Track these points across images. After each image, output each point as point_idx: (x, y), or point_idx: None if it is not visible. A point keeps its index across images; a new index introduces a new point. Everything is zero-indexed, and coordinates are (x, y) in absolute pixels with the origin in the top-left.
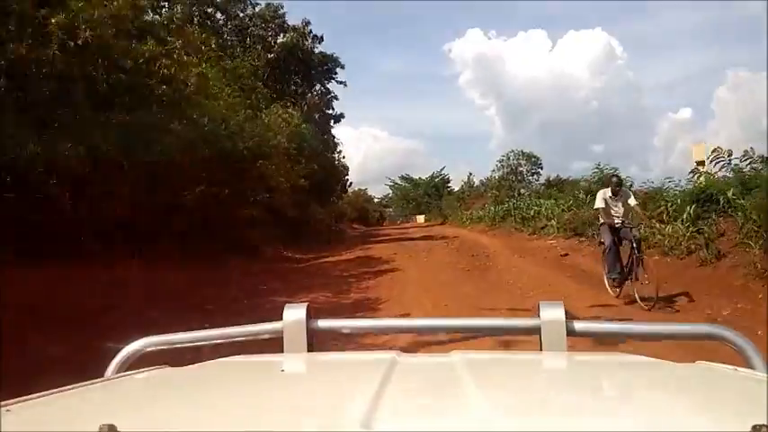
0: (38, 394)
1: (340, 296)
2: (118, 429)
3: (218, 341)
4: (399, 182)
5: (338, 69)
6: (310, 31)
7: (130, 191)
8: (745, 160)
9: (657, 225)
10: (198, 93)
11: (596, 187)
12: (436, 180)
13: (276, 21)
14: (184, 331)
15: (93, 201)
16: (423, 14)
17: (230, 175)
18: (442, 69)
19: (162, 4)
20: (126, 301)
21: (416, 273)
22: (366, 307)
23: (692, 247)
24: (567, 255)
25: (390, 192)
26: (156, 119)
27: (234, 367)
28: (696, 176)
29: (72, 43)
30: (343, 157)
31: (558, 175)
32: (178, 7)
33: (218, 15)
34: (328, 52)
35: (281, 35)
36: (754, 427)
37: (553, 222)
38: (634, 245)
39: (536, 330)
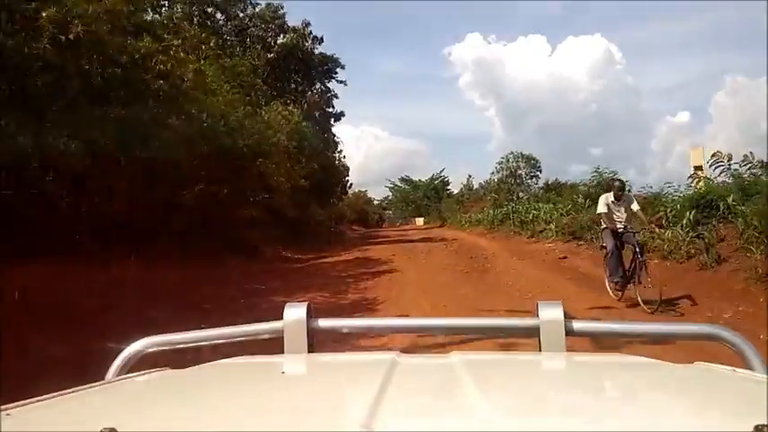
0: (38, 398)
1: (338, 296)
2: None
3: (219, 341)
4: (399, 184)
5: (338, 69)
6: (310, 32)
7: (128, 188)
8: (745, 165)
9: (657, 230)
10: (195, 88)
11: (596, 191)
12: (436, 182)
13: (276, 21)
14: (184, 331)
15: (90, 197)
16: (423, 18)
17: (230, 174)
18: (442, 71)
19: (162, 3)
20: (123, 300)
21: (415, 274)
22: (364, 308)
23: (692, 251)
24: (565, 258)
25: (390, 194)
26: (153, 114)
27: (235, 369)
28: (695, 182)
29: (63, 38)
30: (344, 157)
31: (556, 179)
32: (177, 6)
33: (218, 15)
34: (329, 53)
35: (281, 36)
36: (757, 427)
37: (552, 226)
38: (637, 249)
39: (535, 330)
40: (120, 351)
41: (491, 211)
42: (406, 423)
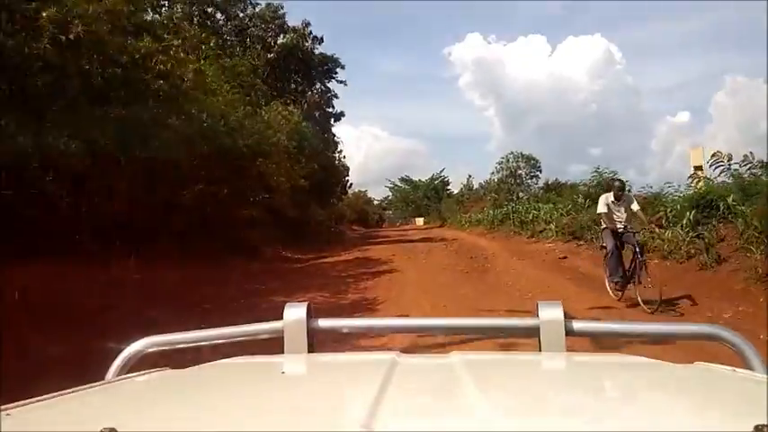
0: (38, 398)
1: (338, 296)
2: None
3: (220, 341)
4: (399, 184)
5: (338, 69)
6: (310, 32)
7: (128, 188)
8: (745, 165)
9: (657, 230)
10: (195, 88)
11: (596, 191)
12: (436, 182)
13: (276, 21)
14: (184, 331)
15: (89, 197)
16: (423, 18)
17: (230, 174)
18: (442, 71)
19: (162, 3)
20: (123, 300)
21: (415, 274)
22: (364, 308)
23: (692, 251)
24: (565, 258)
25: (390, 194)
26: (153, 113)
27: (235, 369)
28: (695, 182)
29: (63, 38)
30: (344, 157)
31: (556, 179)
32: (178, 6)
33: (218, 15)
34: (329, 53)
35: (281, 36)
36: (757, 427)
37: (552, 226)
38: (637, 249)
39: (535, 330)
40: (119, 351)
41: (491, 211)
42: (406, 423)
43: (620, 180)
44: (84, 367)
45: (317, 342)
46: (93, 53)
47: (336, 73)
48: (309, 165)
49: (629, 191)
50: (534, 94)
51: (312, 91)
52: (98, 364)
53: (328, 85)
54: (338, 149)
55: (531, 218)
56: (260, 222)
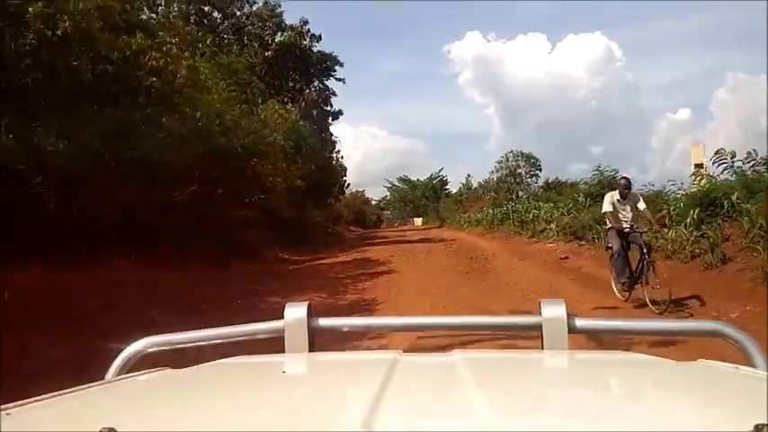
0: (38, 397)
1: (336, 297)
2: None
3: (220, 341)
4: (397, 183)
5: (337, 67)
6: (308, 30)
7: (121, 188)
8: (748, 162)
9: (660, 229)
10: (189, 86)
11: (597, 190)
12: (434, 182)
13: (273, 19)
14: (184, 331)
15: (84, 198)
16: (422, 16)
17: (225, 174)
18: (442, 69)
19: (158, 2)
20: (120, 301)
21: (414, 275)
22: (362, 309)
23: (697, 251)
24: (567, 258)
25: (388, 194)
26: (146, 112)
27: (235, 368)
28: (698, 179)
29: (50, 33)
30: (342, 157)
31: (556, 178)
32: (174, 5)
33: (215, 14)
34: (327, 51)
35: (279, 34)
36: (757, 426)
37: (552, 226)
38: (644, 250)
39: (537, 327)
40: (120, 351)
41: (490, 211)
42: (407, 422)
43: (625, 177)
44: (80, 368)
45: (317, 343)
46: (83, 49)
47: (335, 71)
48: (306, 165)
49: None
50: (534, 91)
51: (310, 89)
52: (97, 364)
53: (326, 83)
54: (336, 149)
55: (531, 217)
56: (256, 223)
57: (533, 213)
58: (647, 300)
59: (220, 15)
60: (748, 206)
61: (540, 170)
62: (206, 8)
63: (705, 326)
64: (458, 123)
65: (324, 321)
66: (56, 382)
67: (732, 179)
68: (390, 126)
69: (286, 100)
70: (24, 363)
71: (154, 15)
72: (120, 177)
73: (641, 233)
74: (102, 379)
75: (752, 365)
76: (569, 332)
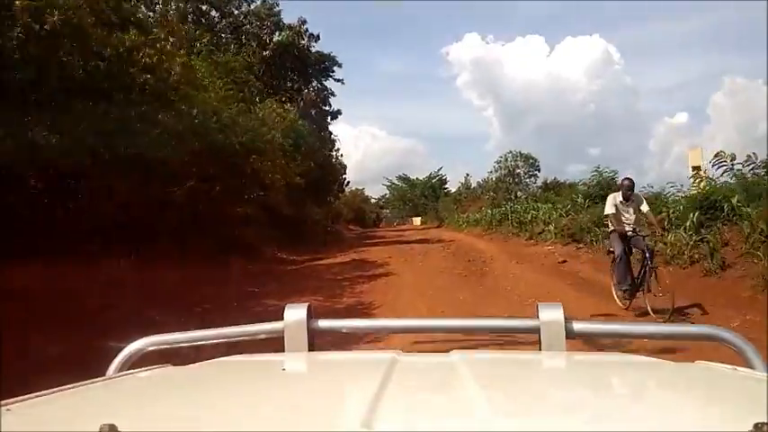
0: (38, 393)
1: (333, 300)
2: (118, 429)
3: (220, 341)
4: (397, 182)
5: (335, 68)
6: (306, 30)
7: (117, 185)
8: (748, 165)
9: (663, 232)
10: (185, 83)
11: (596, 191)
12: (433, 181)
13: (271, 19)
14: (185, 331)
15: (75, 195)
16: (421, 18)
17: (223, 171)
18: (440, 71)
19: (156, 0)
20: (113, 301)
21: (412, 277)
22: (359, 312)
23: (696, 256)
24: (565, 261)
25: (387, 192)
26: (140, 109)
27: (235, 367)
28: (697, 181)
29: (38, 27)
30: (341, 155)
31: (555, 178)
32: (172, 3)
33: (213, 13)
34: (326, 51)
35: (277, 33)
36: (756, 425)
37: (551, 227)
38: (647, 255)
39: (535, 331)
40: (119, 350)
41: (489, 211)
42: (406, 422)
43: (628, 178)
44: (74, 365)
45: (316, 345)
46: (74, 45)
47: (333, 71)
48: (305, 162)
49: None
50: (532, 94)
51: (308, 89)
52: (90, 363)
53: (325, 83)
54: (335, 147)
55: (529, 218)
56: (255, 221)
57: (532, 214)
58: (648, 308)
59: (218, 14)
60: (749, 210)
61: (539, 170)
62: (204, 6)
63: (702, 330)
64: (456, 124)
65: (323, 323)
66: (54, 381)
67: (732, 182)
68: (390, 126)
69: (284, 99)
70: (23, 362)
71: (151, 14)
72: (116, 174)
73: (644, 237)
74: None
75: (750, 368)
76: (567, 336)
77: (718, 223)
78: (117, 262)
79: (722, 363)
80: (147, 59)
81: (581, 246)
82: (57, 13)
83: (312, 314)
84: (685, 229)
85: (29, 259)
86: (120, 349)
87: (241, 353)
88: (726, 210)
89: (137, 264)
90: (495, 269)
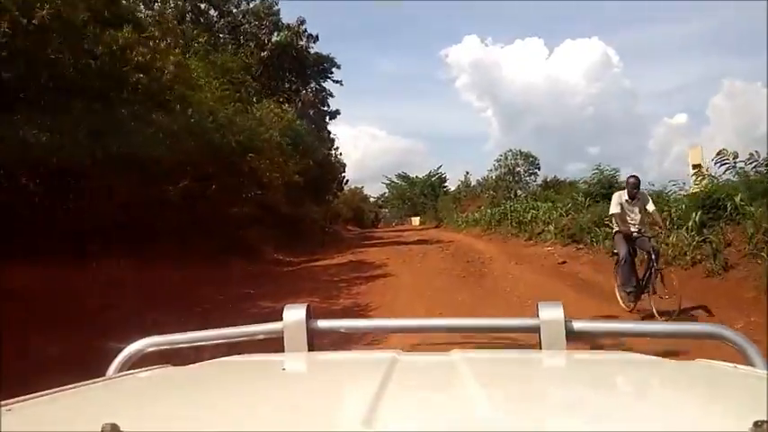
0: (39, 393)
1: (330, 302)
2: (120, 429)
3: (220, 341)
4: (396, 180)
5: (334, 69)
6: (305, 30)
7: (112, 184)
8: (751, 163)
9: (669, 232)
10: (179, 83)
11: (596, 189)
12: (433, 179)
13: (270, 18)
14: (185, 331)
15: (68, 195)
16: (420, 19)
17: (220, 169)
18: (440, 73)
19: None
20: (109, 302)
21: (410, 278)
22: (356, 314)
23: (698, 256)
24: (564, 262)
25: (386, 191)
26: (133, 108)
27: (235, 367)
28: (699, 179)
29: (25, 20)
30: (340, 154)
31: (555, 176)
32: (170, 2)
33: (212, 12)
34: (325, 52)
35: (275, 33)
36: (756, 423)
37: (550, 227)
38: (653, 256)
39: (535, 330)
40: (119, 350)
41: (488, 211)
42: (407, 421)
43: (634, 176)
44: (73, 366)
45: (315, 346)
46: (64, 41)
47: (332, 72)
48: (304, 161)
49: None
50: (531, 96)
51: (306, 90)
52: (89, 363)
53: (324, 84)
54: (334, 146)
55: (529, 218)
56: (253, 220)
57: (532, 214)
58: (654, 311)
59: (216, 13)
60: (752, 209)
61: (539, 169)
62: (202, 5)
63: (704, 328)
64: (456, 125)
65: (322, 323)
66: (54, 380)
67: (734, 180)
68: (389, 126)
69: (282, 100)
70: (23, 362)
71: (150, 12)
72: (110, 173)
73: (650, 238)
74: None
75: (751, 366)
76: (567, 335)
77: (721, 223)
78: (115, 262)
79: (723, 361)
80: (141, 58)
81: (581, 246)
82: (47, 6)
83: (311, 314)
84: (687, 228)
85: (29, 259)
86: (120, 349)
87: (241, 353)
88: (729, 209)
89: (133, 264)
90: (495, 270)
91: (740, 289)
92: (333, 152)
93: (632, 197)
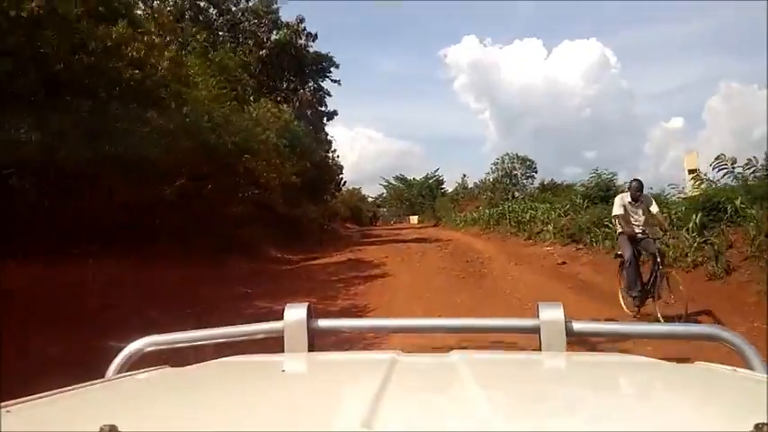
0: (38, 395)
1: (327, 302)
2: (119, 430)
3: (220, 341)
4: (393, 182)
5: (332, 68)
6: (304, 29)
7: (106, 184)
8: (749, 168)
9: (669, 235)
10: (174, 80)
11: (594, 192)
12: (430, 181)
13: (269, 16)
14: (185, 331)
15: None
16: (419, 20)
17: (216, 170)
18: (438, 73)
19: None
20: (105, 302)
21: (408, 278)
22: (354, 315)
23: (699, 259)
24: (564, 263)
25: (384, 191)
26: (127, 106)
27: (235, 367)
28: (697, 183)
29: (14, 13)
30: (338, 156)
31: (552, 179)
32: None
33: (211, 10)
34: (323, 51)
35: (275, 32)
36: (757, 425)
37: (549, 228)
38: (658, 259)
39: (535, 330)
40: (119, 350)
41: (486, 211)
42: (406, 422)
43: (637, 180)
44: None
45: (316, 346)
46: (55, 35)
47: (330, 72)
48: (301, 162)
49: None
50: (529, 97)
51: (304, 89)
52: (89, 363)
53: (322, 84)
54: (332, 148)
55: (528, 218)
56: (251, 220)
57: (530, 214)
58: (658, 315)
59: (216, 11)
60: (753, 212)
61: (536, 172)
62: (201, 3)
63: (702, 330)
64: (453, 127)
65: (323, 322)
66: (53, 380)
67: (732, 184)
68: (386, 128)
69: (279, 99)
70: (22, 362)
71: (147, 10)
72: (104, 172)
73: (654, 240)
74: (101, 377)
75: (750, 368)
76: (567, 335)
77: (722, 225)
78: (114, 262)
79: (722, 363)
80: (135, 54)
81: (580, 246)
82: None
83: (312, 314)
84: (688, 230)
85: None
86: (120, 349)
87: (242, 353)
88: (729, 211)
89: (131, 263)
90: (494, 270)
91: (743, 293)
92: (330, 154)
93: (635, 199)
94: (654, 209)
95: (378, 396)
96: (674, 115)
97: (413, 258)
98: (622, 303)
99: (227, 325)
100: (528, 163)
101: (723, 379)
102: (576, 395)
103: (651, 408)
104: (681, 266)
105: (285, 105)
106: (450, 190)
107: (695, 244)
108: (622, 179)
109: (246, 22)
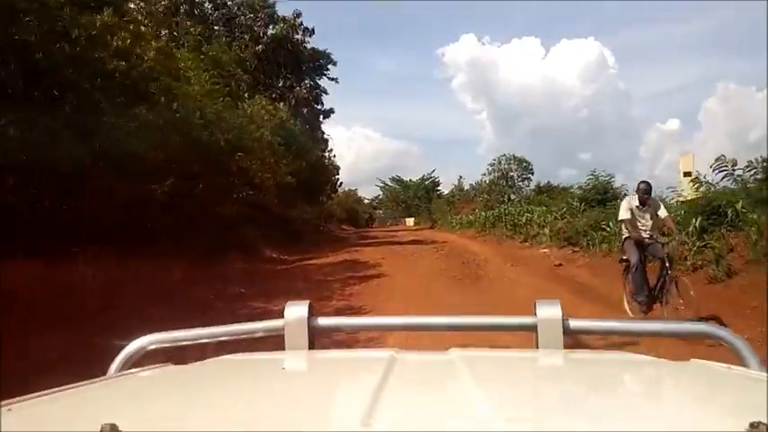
0: (39, 393)
1: (322, 303)
2: (119, 429)
3: (221, 338)
4: (390, 183)
5: (330, 66)
6: (301, 24)
7: (94, 182)
8: (749, 171)
9: (678, 239)
10: (164, 72)
11: (591, 195)
12: (426, 183)
13: (266, 11)
14: (186, 329)
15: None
16: (417, 18)
17: (208, 169)
18: (436, 72)
19: None
20: (108, 302)
21: (404, 279)
22: (349, 316)
23: (699, 262)
24: (560, 265)
25: (381, 193)
26: (113, 99)
27: (236, 365)
28: (696, 186)
29: None
30: (334, 156)
31: (548, 182)
32: None
33: (206, 4)
34: (321, 48)
35: (271, 26)
36: (752, 424)
37: (546, 230)
38: (666, 263)
39: (533, 328)
40: (121, 348)
41: (483, 213)
42: (405, 420)
43: (645, 182)
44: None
45: (316, 345)
46: (33, 22)
47: (328, 69)
48: (297, 162)
49: (625, 195)
50: (527, 97)
51: (301, 86)
52: (84, 361)
53: (319, 81)
54: (328, 147)
55: (524, 221)
56: (245, 219)
57: (527, 217)
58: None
59: (211, 5)
60: (754, 216)
61: (533, 174)
62: None
63: (698, 328)
64: (450, 127)
65: (324, 321)
66: (53, 379)
67: (732, 187)
68: (383, 128)
69: (275, 96)
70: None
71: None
72: (92, 170)
73: (663, 244)
74: (100, 376)
75: (745, 366)
76: (564, 333)
77: (722, 229)
78: (105, 263)
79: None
80: (120, 43)
81: (577, 249)
82: None
83: (313, 312)
84: (688, 234)
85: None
86: (122, 347)
87: (245, 350)
88: (729, 215)
89: (126, 263)
90: (490, 272)
91: (744, 297)
92: (327, 154)
93: (643, 203)
94: (662, 213)
95: (377, 394)
96: (670, 116)
97: (408, 260)
98: (627, 308)
99: (220, 324)
100: (524, 164)
101: (719, 376)
102: (572, 393)
103: (647, 406)
104: (681, 269)
105: (281, 103)
106: (446, 192)
107: (695, 247)
108: (619, 182)
109: (242, 17)
